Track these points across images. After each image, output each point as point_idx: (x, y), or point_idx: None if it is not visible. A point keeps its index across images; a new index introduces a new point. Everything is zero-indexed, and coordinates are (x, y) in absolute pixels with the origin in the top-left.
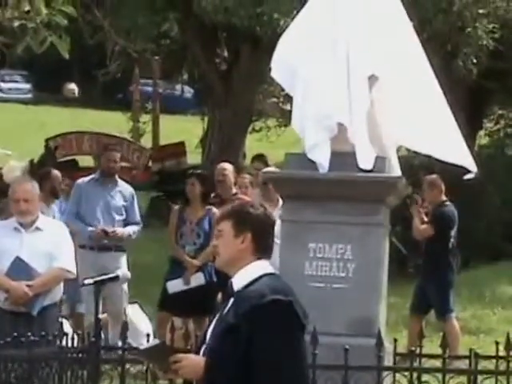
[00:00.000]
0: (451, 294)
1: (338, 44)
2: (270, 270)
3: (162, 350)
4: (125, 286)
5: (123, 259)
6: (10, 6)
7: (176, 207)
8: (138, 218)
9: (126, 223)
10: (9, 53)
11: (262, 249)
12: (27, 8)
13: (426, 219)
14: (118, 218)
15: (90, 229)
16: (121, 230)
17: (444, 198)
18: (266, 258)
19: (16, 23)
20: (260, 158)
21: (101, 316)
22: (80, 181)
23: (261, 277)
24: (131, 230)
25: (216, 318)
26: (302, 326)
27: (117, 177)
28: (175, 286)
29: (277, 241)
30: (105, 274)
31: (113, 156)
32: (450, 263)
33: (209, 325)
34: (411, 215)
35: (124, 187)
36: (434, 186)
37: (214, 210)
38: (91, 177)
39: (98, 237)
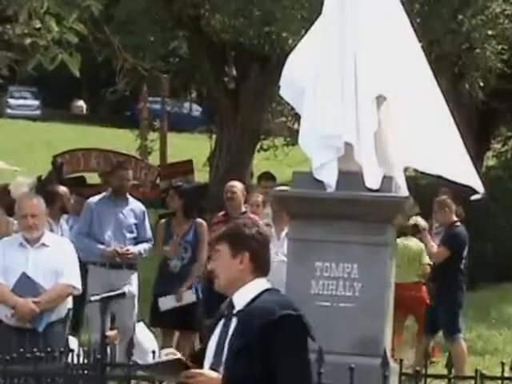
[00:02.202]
0: (460, 314)
1: (346, 63)
2: (268, 285)
3: (175, 364)
4: (135, 303)
5: (134, 277)
6: (21, 23)
7: (163, 221)
8: (149, 235)
9: (137, 241)
10: (19, 69)
11: (261, 267)
12: (38, 25)
13: (433, 243)
14: (129, 235)
15: (102, 247)
16: (132, 249)
17: (455, 218)
18: (264, 275)
19: (27, 40)
20: (267, 176)
21: (110, 332)
22: (91, 199)
23: (261, 293)
24: (142, 248)
25: (218, 334)
26: (310, 338)
27: (128, 194)
28: (167, 302)
29: (284, 258)
30: (112, 291)
31: (125, 175)
32: (460, 284)
33: (206, 341)
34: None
35: (135, 205)
36: (445, 207)
37: (199, 220)
38: (102, 195)
39: (109, 256)
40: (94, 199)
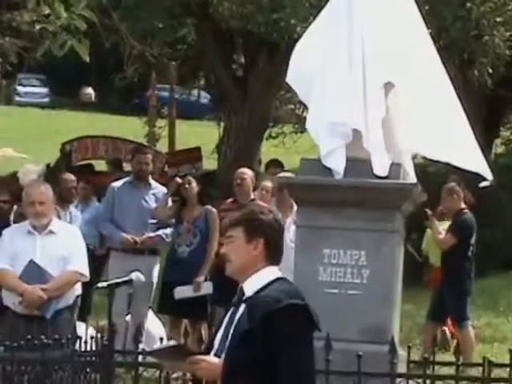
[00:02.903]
0: (468, 301)
1: (353, 51)
2: (280, 274)
3: (179, 350)
4: (153, 290)
5: (156, 262)
6: (30, 10)
7: (172, 204)
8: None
9: (159, 226)
10: (28, 57)
11: (274, 254)
12: (47, 11)
13: (440, 230)
14: (150, 221)
15: (122, 235)
16: (152, 234)
17: (463, 205)
18: (276, 263)
19: (37, 27)
20: (275, 163)
21: (126, 318)
22: (114, 184)
23: (272, 282)
24: (163, 232)
25: (225, 322)
26: (315, 329)
27: (150, 179)
28: (183, 292)
29: (292, 245)
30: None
31: (144, 158)
32: (468, 271)
33: (217, 330)
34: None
35: (158, 189)
36: (454, 194)
37: (210, 207)
38: (125, 180)
39: (128, 244)
40: (117, 184)
